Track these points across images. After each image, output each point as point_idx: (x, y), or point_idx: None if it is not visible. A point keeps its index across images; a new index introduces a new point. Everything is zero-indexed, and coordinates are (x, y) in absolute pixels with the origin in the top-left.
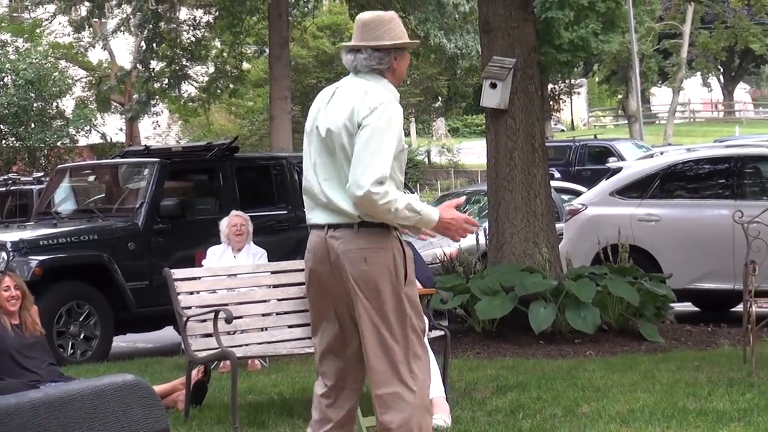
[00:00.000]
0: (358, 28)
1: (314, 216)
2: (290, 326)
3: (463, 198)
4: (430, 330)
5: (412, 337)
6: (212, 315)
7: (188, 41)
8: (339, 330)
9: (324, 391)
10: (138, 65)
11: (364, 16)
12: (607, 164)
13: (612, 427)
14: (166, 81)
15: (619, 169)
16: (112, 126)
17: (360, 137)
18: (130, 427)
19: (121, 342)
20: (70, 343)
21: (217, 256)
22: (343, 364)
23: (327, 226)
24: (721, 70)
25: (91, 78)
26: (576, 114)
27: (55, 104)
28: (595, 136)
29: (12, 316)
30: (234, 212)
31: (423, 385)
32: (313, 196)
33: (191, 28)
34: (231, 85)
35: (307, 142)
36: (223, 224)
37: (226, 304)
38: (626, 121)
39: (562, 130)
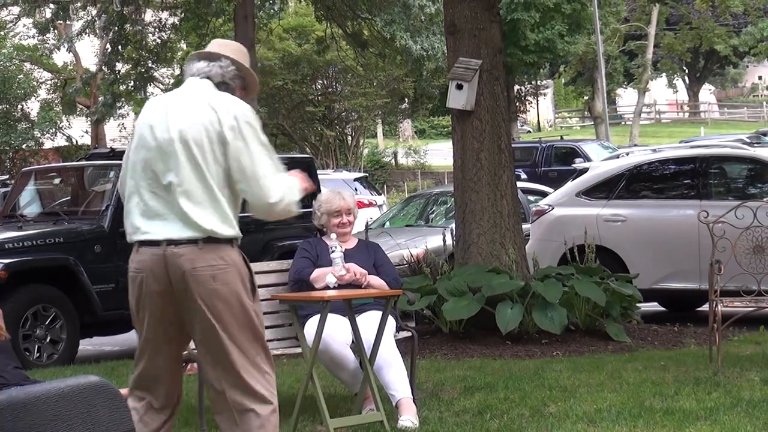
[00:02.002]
0: (217, 45)
1: (151, 230)
2: None
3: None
4: (397, 331)
5: (262, 353)
6: None
7: (154, 43)
8: (169, 351)
9: (150, 411)
10: (103, 67)
11: (223, 39)
12: (573, 165)
13: (579, 427)
14: (132, 83)
15: (585, 170)
16: (77, 128)
17: (246, 147)
18: (95, 428)
19: (87, 345)
20: (36, 347)
21: None
22: (170, 385)
23: (165, 242)
24: (686, 71)
25: (56, 80)
26: (542, 115)
27: (19, 107)
28: (562, 137)
29: None
30: None
31: (275, 401)
32: (156, 206)
33: (157, 30)
34: None
35: (142, 149)
36: None
37: None
38: (592, 122)
39: (529, 132)
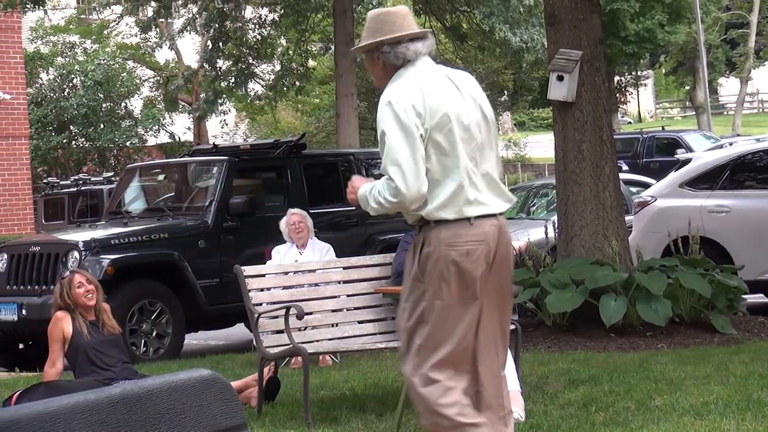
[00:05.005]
0: (407, 16)
1: (491, 202)
2: (360, 322)
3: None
4: None
5: None
6: (283, 311)
7: (254, 40)
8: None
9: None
10: (204, 64)
11: (400, 8)
12: (675, 156)
13: (686, 420)
14: (233, 80)
15: (687, 161)
16: (180, 125)
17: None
18: (207, 422)
19: (192, 339)
20: (143, 341)
21: (281, 255)
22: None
23: (499, 214)
24: None
25: (158, 78)
26: (643, 106)
27: (123, 104)
28: (663, 127)
29: (89, 313)
30: (290, 210)
31: None
32: (491, 181)
33: (257, 26)
34: (297, 83)
35: (457, 131)
36: (283, 224)
37: (297, 301)
38: (694, 112)
39: (629, 123)
